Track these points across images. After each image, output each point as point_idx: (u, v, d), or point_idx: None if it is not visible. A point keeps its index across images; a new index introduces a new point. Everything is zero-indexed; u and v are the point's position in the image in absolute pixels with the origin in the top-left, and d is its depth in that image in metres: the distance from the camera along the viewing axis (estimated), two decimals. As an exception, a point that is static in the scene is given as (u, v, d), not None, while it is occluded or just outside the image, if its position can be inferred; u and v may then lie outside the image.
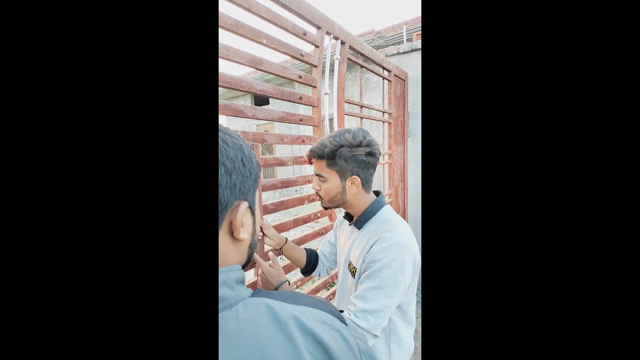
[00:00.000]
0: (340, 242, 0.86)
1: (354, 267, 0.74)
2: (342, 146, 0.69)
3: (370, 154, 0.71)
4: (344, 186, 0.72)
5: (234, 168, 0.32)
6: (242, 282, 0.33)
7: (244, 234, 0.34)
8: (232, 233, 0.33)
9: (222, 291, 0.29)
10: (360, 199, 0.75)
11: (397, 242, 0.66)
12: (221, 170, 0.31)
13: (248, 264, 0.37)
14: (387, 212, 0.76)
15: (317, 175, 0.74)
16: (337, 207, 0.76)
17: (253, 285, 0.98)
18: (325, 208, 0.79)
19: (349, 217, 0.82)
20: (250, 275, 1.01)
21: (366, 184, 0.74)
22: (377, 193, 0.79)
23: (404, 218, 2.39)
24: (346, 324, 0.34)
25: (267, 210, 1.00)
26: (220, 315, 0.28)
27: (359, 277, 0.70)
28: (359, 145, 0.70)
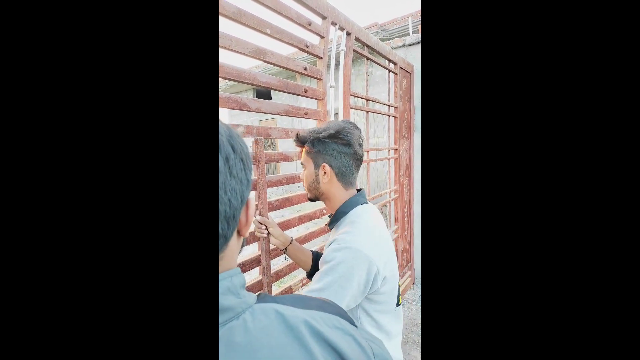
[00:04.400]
0: None
1: None
2: (318, 132, 0.68)
3: (345, 143, 0.67)
4: (317, 174, 0.70)
5: (247, 163, 0.31)
6: (244, 286, 0.31)
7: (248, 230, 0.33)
8: (238, 231, 0.32)
9: (228, 300, 0.27)
10: (335, 194, 0.70)
11: (349, 246, 0.61)
12: (241, 166, 0.29)
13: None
14: (358, 213, 0.69)
15: (301, 162, 0.74)
16: (316, 198, 0.74)
17: (258, 285, 0.95)
18: (309, 199, 0.77)
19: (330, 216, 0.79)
20: (255, 274, 0.98)
21: (342, 176, 0.69)
22: (359, 191, 0.74)
23: (410, 214, 2.35)
24: (356, 326, 0.32)
25: (272, 207, 0.97)
26: (227, 326, 0.26)
27: None
28: (335, 132, 0.67)
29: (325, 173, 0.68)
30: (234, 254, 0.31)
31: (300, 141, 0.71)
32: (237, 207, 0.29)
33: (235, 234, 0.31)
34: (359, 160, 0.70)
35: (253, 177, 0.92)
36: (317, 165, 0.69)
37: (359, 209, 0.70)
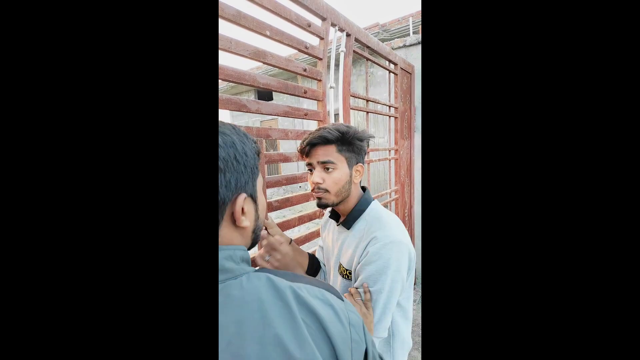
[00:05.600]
0: (327, 242, 0.82)
1: (346, 269, 0.71)
2: (350, 130, 0.66)
3: (367, 143, 0.70)
4: (351, 175, 0.68)
5: (227, 167, 0.34)
6: (247, 261, 0.36)
7: (246, 222, 0.36)
8: (234, 222, 0.36)
9: (228, 264, 0.33)
10: (354, 193, 0.71)
11: (391, 240, 0.63)
12: (236, 163, 0.34)
13: (253, 246, 0.41)
14: (376, 208, 0.72)
15: (322, 163, 0.65)
16: (339, 202, 0.69)
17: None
18: (325, 206, 0.69)
19: (335, 216, 0.77)
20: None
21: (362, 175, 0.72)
22: (363, 188, 0.75)
23: (411, 214, 2.36)
24: (343, 300, 0.37)
25: (271, 207, 0.98)
26: (226, 284, 0.32)
27: (355, 280, 0.68)
28: (362, 132, 0.68)
29: (357, 172, 0.69)
30: (231, 241, 0.36)
31: (326, 140, 0.65)
32: (225, 199, 0.34)
33: (229, 225, 0.36)
34: None
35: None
36: (350, 166, 0.68)
37: (373, 205, 0.72)
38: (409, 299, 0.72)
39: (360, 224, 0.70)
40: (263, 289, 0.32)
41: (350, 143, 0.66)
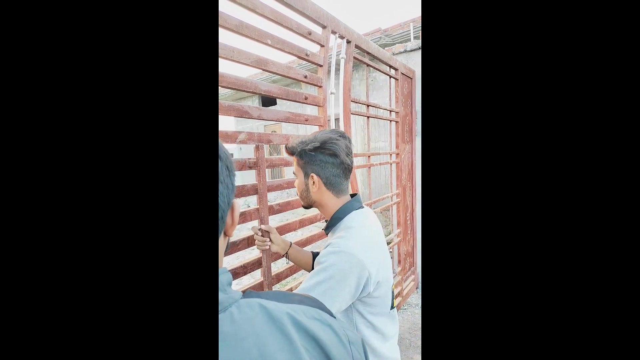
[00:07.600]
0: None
1: None
2: (305, 144, 0.70)
3: (332, 154, 0.68)
4: (307, 184, 0.72)
5: (232, 169, 0.34)
6: (231, 284, 0.33)
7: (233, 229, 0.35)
8: (225, 232, 0.34)
9: None
10: (328, 202, 0.73)
11: (342, 250, 0.63)
12: (226, 172, 0.32)
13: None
14: (352, 218, 0.71)
15: (293, 172, 0.77)
16: (309, 205, 0.77)
17: (260, 286, 0.98)
18: (303, 206, 0.80)
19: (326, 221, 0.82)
20: (257, 276, 1.01)
21: (331, 185, 0.71)
22: (353, 196, 0.76)
23: (413, 218, 2.36)
24: (335, 317, 0.35)
25: (273, 210, 1.00)
26: None
27: None
28: (320, 144, 0.68)
29: (314, 183, 0.71)
30: (221, 254, 0.34)
31: (290, 151, 0.74)
32: (224, 209, 0.32)
33: (222, 234, 0.33)
34: (347, 169, 0.71)
35: (254, 182, 0.95)
36: (306, 175, 0.72)
37: (353, 214, 0.72)
38: (377, 315, 0.71)
39: (336, 231, 0.73)
40: (258, 320, 0.29)
41: (301, 156, 0.71)
